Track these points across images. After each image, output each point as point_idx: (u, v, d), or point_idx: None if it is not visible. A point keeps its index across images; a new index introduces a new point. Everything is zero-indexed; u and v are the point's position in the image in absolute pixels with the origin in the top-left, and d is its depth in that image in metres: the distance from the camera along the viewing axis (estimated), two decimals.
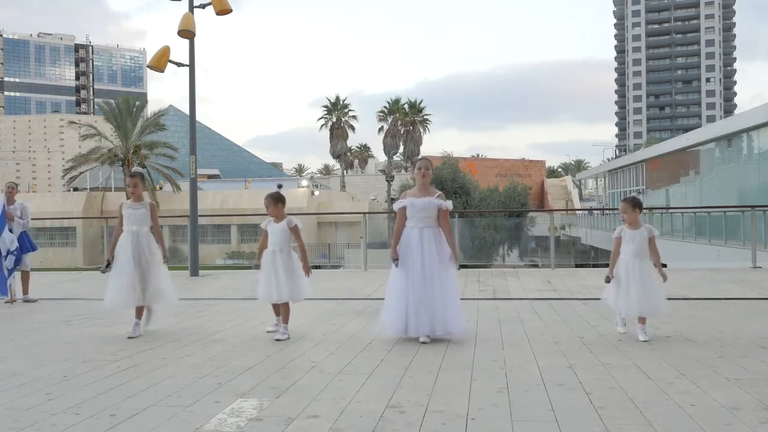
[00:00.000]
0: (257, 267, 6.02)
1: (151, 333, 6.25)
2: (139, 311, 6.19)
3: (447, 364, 4.71)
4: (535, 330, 6.07)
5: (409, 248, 5.57)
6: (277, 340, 5.72)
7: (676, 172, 35.52)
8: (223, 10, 12.02)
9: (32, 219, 9.38)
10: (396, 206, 5.79)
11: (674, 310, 7.19)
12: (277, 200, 5.97)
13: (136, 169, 7.56)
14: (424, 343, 5.42)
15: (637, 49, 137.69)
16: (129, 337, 5.97)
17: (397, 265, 5.61)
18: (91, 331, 6.47)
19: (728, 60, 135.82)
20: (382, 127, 59.34)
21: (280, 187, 6.18)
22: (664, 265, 6.02)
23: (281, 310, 5.94)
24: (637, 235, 5.63)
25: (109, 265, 6.19)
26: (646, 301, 5.51)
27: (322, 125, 61.24)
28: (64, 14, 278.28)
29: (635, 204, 5.70)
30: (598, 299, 6.94)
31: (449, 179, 39.21)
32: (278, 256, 5.82)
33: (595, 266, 18.86)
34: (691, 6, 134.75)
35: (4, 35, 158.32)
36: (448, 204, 5.68)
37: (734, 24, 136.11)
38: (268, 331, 6.09)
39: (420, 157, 6.19)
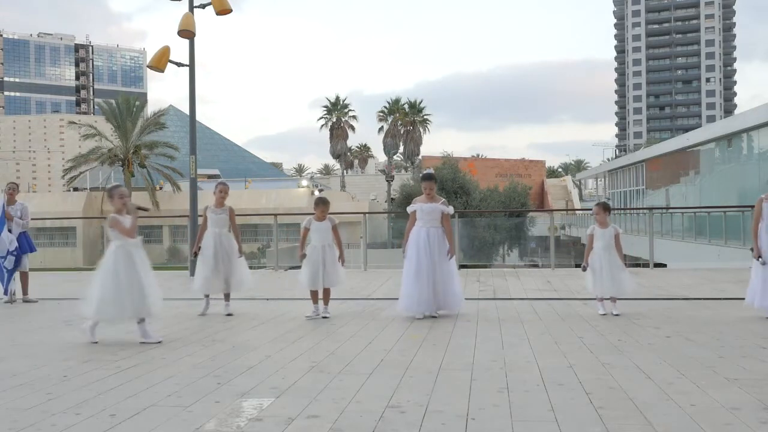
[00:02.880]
0: (302, 258, 7.09)
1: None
2: (227, 295, 7.45)
3: (447, 364, 4.71)
4: (535, 330, 6.08)
5: (420, 244, 6.82)
6: (324, 317, 6.87)
7: (676, 172, 35.50)
8: (223, 10, 12.03)
9: (32, 219, 9.38)
10: (409, 210, 7.05)
11: (674, 310, 7.21)
12: (328, 203, 7.10)
13: (223, 179, 8.32)
14: (433, 317, 6.73)
15: (637, 49, 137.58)
16: (227, 315, 7.22)
17: (405, 256, 6.88)
18: None
19: (728, 60, 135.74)
20: (382, 127, 59.35)
21: (321, 191, 6.92)
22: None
23: (324, 295, 7.04)
24: (606, 233, 6.95)
25: (196, 254, 7.48)
26: (615, 284, 6.84)
27: (322, 125, 61.26)
28: (65, 15, 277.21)
29: (606, 208, 7.14)
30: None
31: (449, 179, 39.14)
32: (326, 250, 6.96)
33: None
34: (691, 6, 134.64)
35: (4, 35, 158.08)
36: (450, 209, 7.03)
37: (734, 24, 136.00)
38: (307, 317, 6.91)
39: (426, 173, 7.08)
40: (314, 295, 7.07)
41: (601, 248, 6.92)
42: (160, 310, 5.98)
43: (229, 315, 7.25)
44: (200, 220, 7.75)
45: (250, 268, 8.51)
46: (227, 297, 7.49)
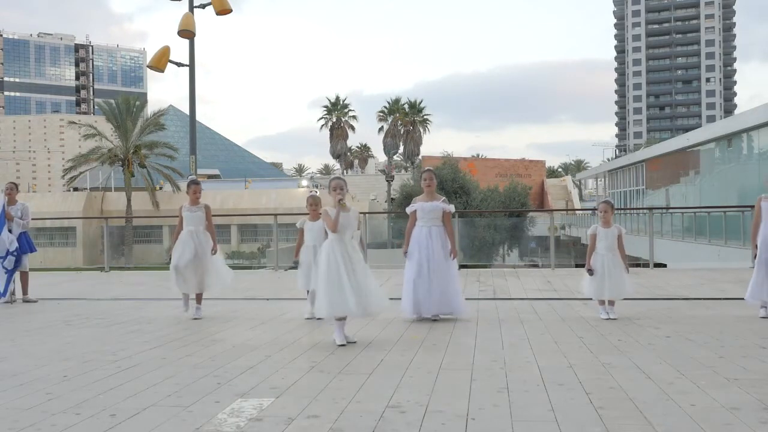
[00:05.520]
0: (296, 263, 6.99)
1: (151, 333, 6.26)
2: (198, 296, 7.32)
3: (447, 364, 4.71)
4: (535, 330, 6.07)
5: (420, 243, 6.73)
6: (319, 318, 6.44)
7: (676, 172, 35.48)
8: (223, 10, 12.05)
9: (32, 219, 9.37)
10: (408, 210, 6.96)
11: (674, 310, 7.21)
12: (319, 202, 7.03)
13: (193, 177, 8.18)
14: (434, 320, 6.59)
15: (637, 49, 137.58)
16: (194, 318, 7.07)
17: (406, 256, 6.77)
18: (91, 331, 6.48)
19: (728, 60, 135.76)
20: (382, 127, 59.38)
21: (316, 188, 6.88)
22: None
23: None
24: (609, 233, 6.76)
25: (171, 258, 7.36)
26: (615, 287, 6.65)
27: (322, 125, 61.29)
28: (65, 15, 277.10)
29: (612, 206, 6.92)
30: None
31: (449, 179, 39.13)
32: (317, 250, 6.61)
33: None
34: (691, 6, 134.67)
35: (4, 35, 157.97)
36: (451, 207, 6.91)
37: (734, 24, 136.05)
38: (306, 318, 6.84)
39: (425, 168, 7.05)
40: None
41: (605, 249, 6.71)
42: (373, 308, 5.62)
43: (196, 319, 7.08)
44: (176, 221, 7.61)
45: (251, 268, 8.51)
46: (199, 299, 7.34)
